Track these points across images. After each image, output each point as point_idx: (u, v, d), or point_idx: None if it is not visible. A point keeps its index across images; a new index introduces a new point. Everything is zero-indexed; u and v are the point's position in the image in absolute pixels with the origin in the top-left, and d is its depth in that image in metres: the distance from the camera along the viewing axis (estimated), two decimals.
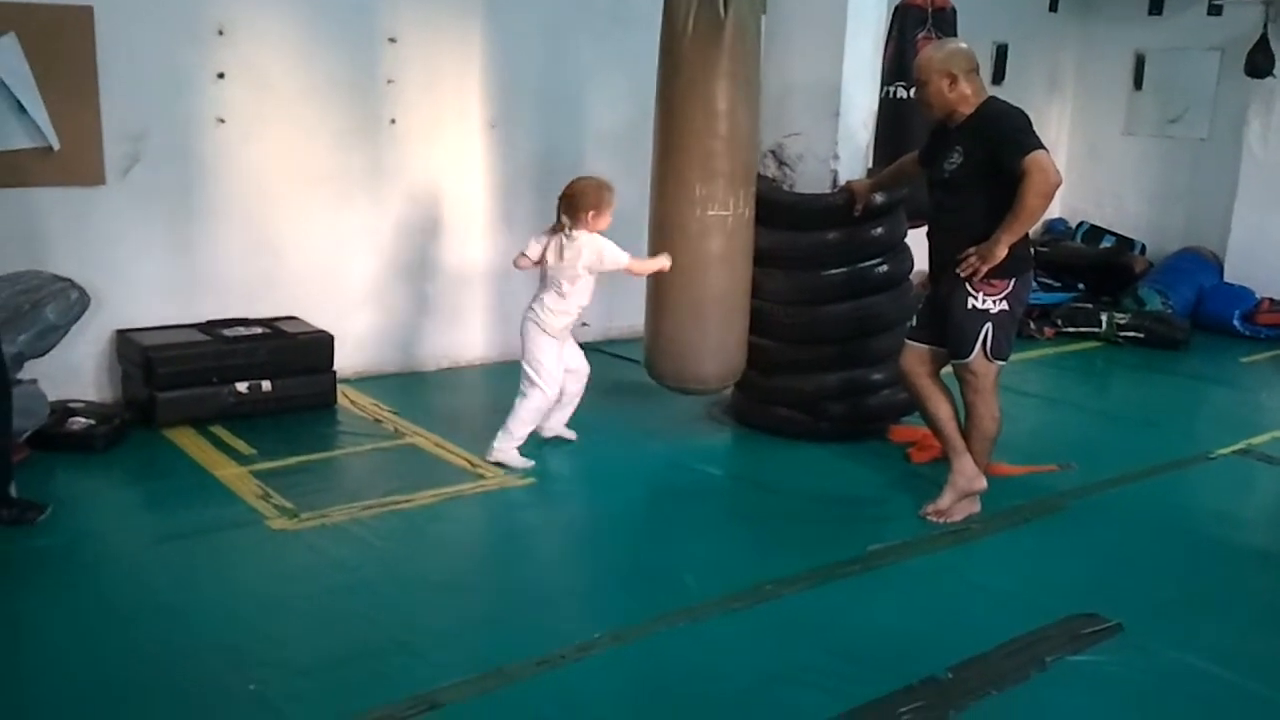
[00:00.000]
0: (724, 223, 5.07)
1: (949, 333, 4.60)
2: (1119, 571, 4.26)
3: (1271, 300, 8.51)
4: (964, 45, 4.63)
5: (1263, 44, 8.37)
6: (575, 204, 4.94)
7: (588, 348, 5.58)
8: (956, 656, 3.49)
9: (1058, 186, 4.36)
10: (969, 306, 4.50)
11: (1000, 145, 4.38)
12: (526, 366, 5.09)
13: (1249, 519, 5.04)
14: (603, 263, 4.96)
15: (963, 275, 4.46)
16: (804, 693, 3.30)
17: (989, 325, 4.51)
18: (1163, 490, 5.20)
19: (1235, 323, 8.44)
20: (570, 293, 5.01)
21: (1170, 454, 5.65)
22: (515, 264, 5.16)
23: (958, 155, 4.50)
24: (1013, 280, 4.50)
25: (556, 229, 4.99)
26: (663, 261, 5.04)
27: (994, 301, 4.50)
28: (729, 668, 3.45)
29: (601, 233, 4.98)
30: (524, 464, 5.06)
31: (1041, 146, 4.34)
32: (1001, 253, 4.37)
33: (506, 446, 5.08)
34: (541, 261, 5.05)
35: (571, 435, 5.37)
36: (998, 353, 4.56)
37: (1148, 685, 3.44)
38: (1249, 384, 7.39)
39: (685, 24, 4.93)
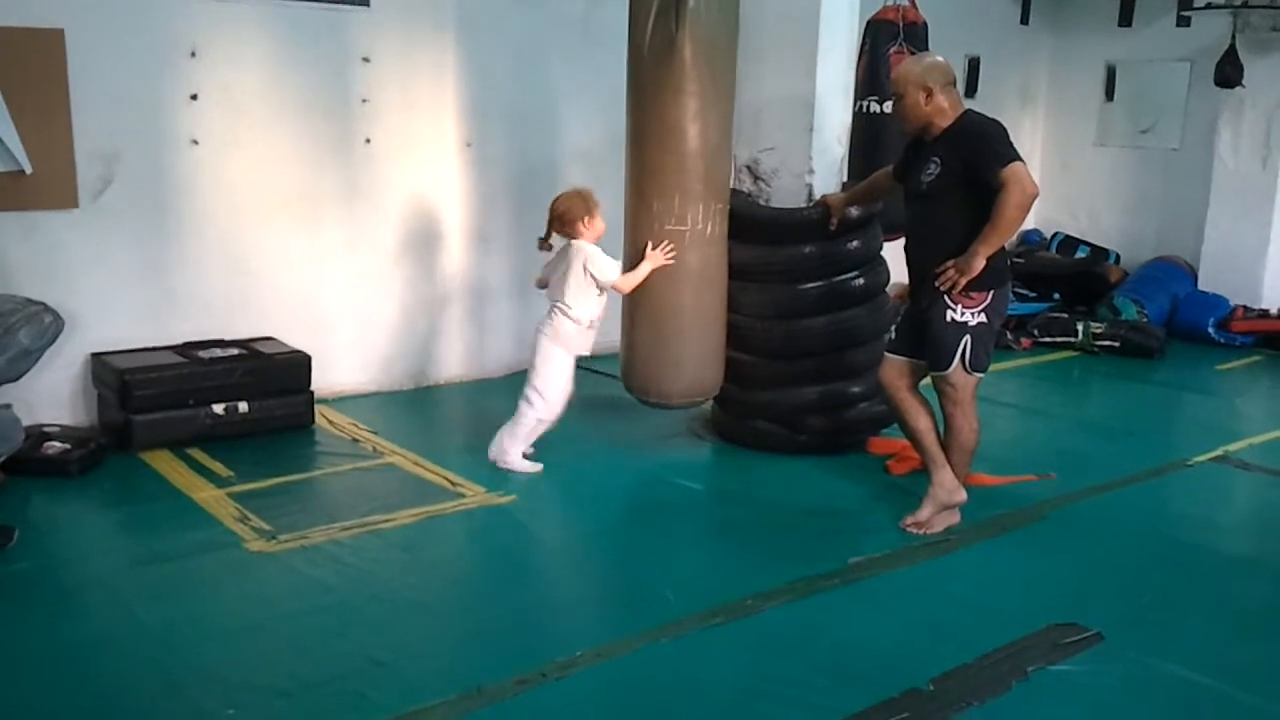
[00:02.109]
0: (681, 238, 5.09)
1: (928, 345, 4.62)
2: (1098, 580, 4.28)
3: (1245, 307, 8.58)
4: (940, 59, 4.66)
5: (1231, 54, 8.44)
6: (566, 219, 5.09)
7: None
8: (938, 668, 3.50)
9: (1035, 198, 4.38)
10: (948, 319, 4.52)
11: (978, 157, 4.40)
12: (533, 379, 5.17)
13: (1226, 526, 5.06)
14: (592, 268, 5.01)
15: (941, 288, 4.48)
16: (785, 707, 3.30)
17: (968, 338, 4.52)
18: (1141, 498, 5.22)
19: (1210, 330, 8.50)
20: (574, 304, 5.07)
21: (1148, 462, 5.68)
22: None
23: (935, 166, 4.52)
24: (991, 292, 4.52)
25: (558, 248, 5.17)
26: (643, 271, 5.06)
27: (973, 314, 4.51)
28: (710, 683, 3.44)
29: (599, 234, 5.11)
30: (531, 468, 5.18)
31: (1019, 158, 4.36)
32: (979, 265, 4.39)
33: (508, 456, 5.17)
34: (547, 281, 5.23)
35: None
36: (977, 365, 4.58)
37: (1128, 694, 3.45)
38: (1225, 391, 7.45)
39: (643, 42, 4.96)
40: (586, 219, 5.07)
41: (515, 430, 5.19)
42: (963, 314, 4.51)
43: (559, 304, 5.12)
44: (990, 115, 4.63)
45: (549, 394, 5.16)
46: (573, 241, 5.10)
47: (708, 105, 5.02)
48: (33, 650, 3.53)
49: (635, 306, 5.23)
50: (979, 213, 4.38)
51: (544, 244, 5.20)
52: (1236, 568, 4.49)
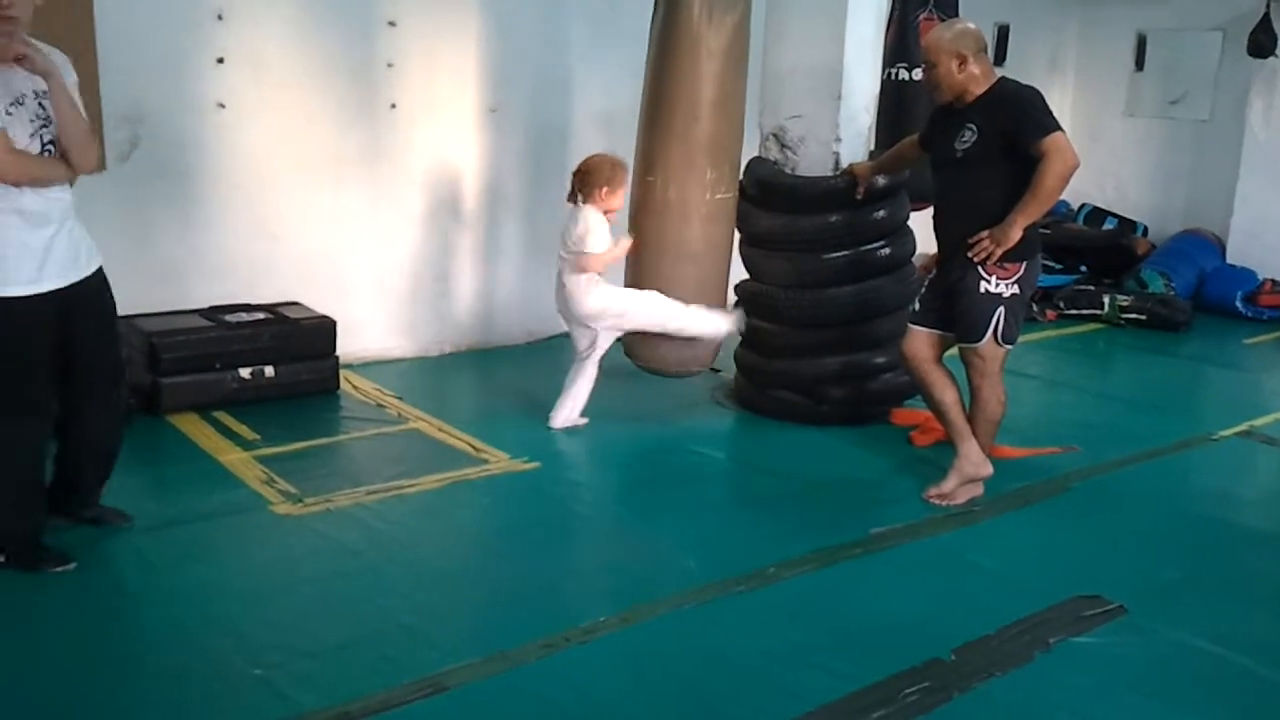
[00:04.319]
0: (728, 205, 5.06)
1: (960, 317, 4.58)
2: (1122, 553, 4.27)
3: (1273, 281, 8.51)
4: (971, 25, 4.58)
5: (1265, 23, 8.34)
6: (588, 179, 5.06)
7: None
8: (960, 638, 3.50)
9: (1075, 168, 4.31)
10: (982, 290, 4.47)
11: (1018, 125, 4.34)
12: (620, 318, 5.22)
13: (1251, 500, 5.04)
14: (584, 241, 5.03)
15: (976, 259, 4.44)
16: (808, 674, 3.31)
17: (1002, 309, 4.48)
18: (1165, 472, 5.20)
19: (1237, 304, 8.45)
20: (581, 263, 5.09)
21: (1173, 436, 5.65)
22: None
23: (970, 134, 4.45)
24: (1024, 263, 4.48)
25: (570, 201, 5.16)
26: (624, 246, 5.15)
27: (1006, 285, 4.47)
28: (733, 650, 3.45)
29: (613, 210, 5.09)
30: (582, 420, 5.37)
31: (1059, 128, 4.31)
32: (1016, 235, 4.35)
33: (572, 416, 5.29)
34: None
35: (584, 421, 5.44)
36: (1008, 337, 4.54)
37: (1150, 666, 3.44)
38: (1251, 366, 7.40)
39: (697, 6, 4.91)
40: (605, 188, 5.04)
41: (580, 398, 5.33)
42: (997, 285, 4.46)
43: (569, 263, 5.14)
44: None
45: (642, 305, 5.22)
46: (582, 205, 5.07)
47: (736, 68, 5.03)
48: (59, 611, 3.57)
49: (645, 273, 5.26)
50: (1014, 182, 4.33)
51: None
52: (1261, 543, 4.47)
